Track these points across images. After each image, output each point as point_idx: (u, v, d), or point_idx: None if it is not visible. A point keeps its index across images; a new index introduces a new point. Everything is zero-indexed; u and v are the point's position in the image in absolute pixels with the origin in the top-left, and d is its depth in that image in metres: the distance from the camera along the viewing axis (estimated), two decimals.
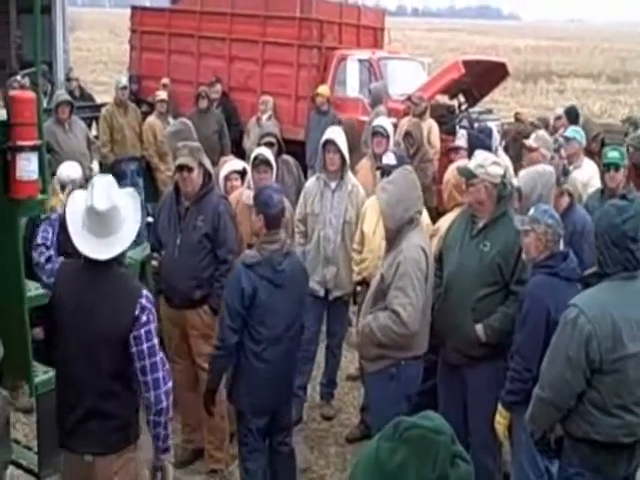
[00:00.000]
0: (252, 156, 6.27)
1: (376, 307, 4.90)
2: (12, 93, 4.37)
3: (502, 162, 5.38)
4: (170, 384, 3.89)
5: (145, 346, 3.79)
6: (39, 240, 4.10)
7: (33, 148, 4.17)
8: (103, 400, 3.82)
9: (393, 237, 4.94)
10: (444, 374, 5.23)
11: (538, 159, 6.37)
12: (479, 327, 4.91)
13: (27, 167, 4.14)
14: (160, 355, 3.87)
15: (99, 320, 3.77)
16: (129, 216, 3.88)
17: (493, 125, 9.46)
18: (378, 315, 4.83)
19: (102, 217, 3.77)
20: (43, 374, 4.42)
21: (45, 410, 4.42)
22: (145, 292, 3.90)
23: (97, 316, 3.78)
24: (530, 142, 6.93)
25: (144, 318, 3.79)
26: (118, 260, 3.89)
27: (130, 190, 4.11)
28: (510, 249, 4.87)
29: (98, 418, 3.83)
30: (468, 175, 5.01)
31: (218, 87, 12.62)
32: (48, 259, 4.02)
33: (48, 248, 4.08)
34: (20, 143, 4.10)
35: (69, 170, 5.40)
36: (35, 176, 4.22)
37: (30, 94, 4.28)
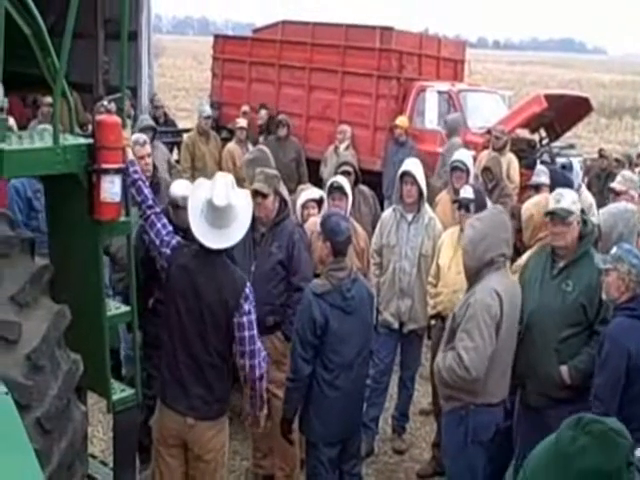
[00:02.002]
0: (328, 183, 6.30)
1: (448, 346, 4.81)
2: (99, 117, 4.45)
3: (586, 199, 5.24)
4: (264, 370, 4.49)
5: (247, 334, 4.38)
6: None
7: (117, 171, 4.23)
8: (207, 371, 4.41)
9: (472, 276, 4.82)
10: (523, 416, 5.08)
11: (627, 201, 6.17)
12: (564, 369, 4.78)
13: (111, 189, 4.20)
14: (258, 344, 4.45)
15: (208, 300, 4.35)
16: (241, 214, 4.45)
17: (575, 161, 9.28)
18: (447, 355, 4.73)
19: (219, 211, 4.33)
20: (121, 392, 4.49)
21: (122, 427, 4.56)
22: (249, 283, 4.47)
23: (206, 296, 4.35)
24: (616, 185, 6.75)
25: (247, 307, 4.38)
26: (227, 251, 4.49)
27: (246, 191, 4.74)
28: (594, 289, 4.71)
29: (203, 387, 4.41)
30: (565, 215, 4.85)
31: (263, 112, 12.77)
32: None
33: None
34: (105, 166, 4.15)
35: (180, 187, 5.55)
36: (118, 198, 4.28)
37: (115, 119, 4.35)
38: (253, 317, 4.42)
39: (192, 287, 4.39)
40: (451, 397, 4.81)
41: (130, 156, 4.40)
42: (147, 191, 4.52)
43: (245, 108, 13.14)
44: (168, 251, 4.50)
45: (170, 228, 4.59)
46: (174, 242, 4.52)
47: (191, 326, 4.39)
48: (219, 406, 4.51)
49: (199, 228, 4.37)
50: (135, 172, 4.43)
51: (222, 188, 4.39)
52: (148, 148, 6.55)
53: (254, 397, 4.56)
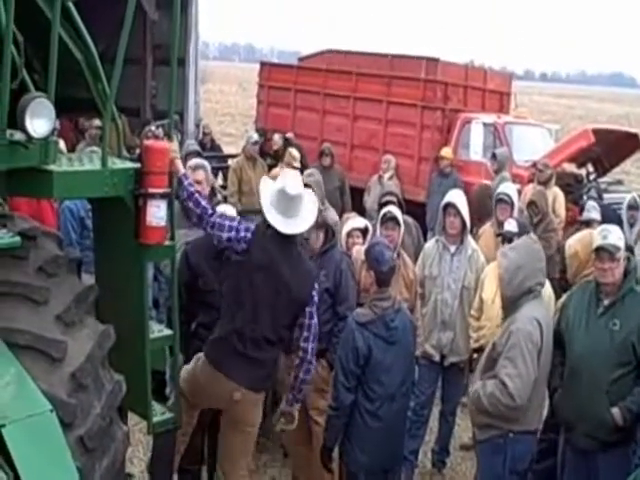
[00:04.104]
0: (381, 213, 6.28)
1: (486, 375, 4.79)
2: (146, 143, 4.51)
3: None
4: (313, 360, 4.80)
5: (314, 321, 4.72)
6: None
7: (163, 195, 4.27)
8: (267, 349, 4.63)
9: (509, 306, 4.81)
10: (571, 459, 4.95)
11: None
12: (616, 411, 4.66)
13: (157, 213, 4.24)
14: (317, 329, 4.75)
15: (284, 281, 4.57)
16: (309, 205, 4.73)
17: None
18: (487, 383, 4.72)
19: (290, 200, 4.59)
20: (161, 414, 4.51)
21: (161, 448, 4.56)
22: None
23: (283, 278, 4.56)
24: None
25: (316, 298, 4.74)
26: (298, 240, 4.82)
27: (311, 192, 4.95)
28: None
29: (259, 362, 4.62)
30: (614, 251, 4.77)
31: (276, 137, 12.84)
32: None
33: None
34: (151, 190, 4.20)
35: (225, 210, 5.60)
36: (163, 223, 4.32)
37: (163, 144, 4.40)
38: (316, 305, 4.77)
39: (272, 269, 4.57)
40: (490, 425, 4.77)
41: (181, 169, 4.47)
42: (205, 202, 4.60)
43: (289, 135, 13.19)
44: (249, 235, 4.60)
45: (236, 216, 4.84)
46: (252, 226, 4.69)
47: (265, 305, 4.57)
48: (267, 381, 4.81)
49: (272, 216, 4.59)
50: (190, 185, 4.52)
51: (293, 179, 4.72)
52: (201, 174, 6.40)
53: (299, 381, 4.77)
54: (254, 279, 4.56)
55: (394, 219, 6.14)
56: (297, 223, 4.63)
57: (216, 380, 4.63)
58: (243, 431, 4.71)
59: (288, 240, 4.63)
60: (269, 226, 4.59)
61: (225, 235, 4.60)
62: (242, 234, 4.59)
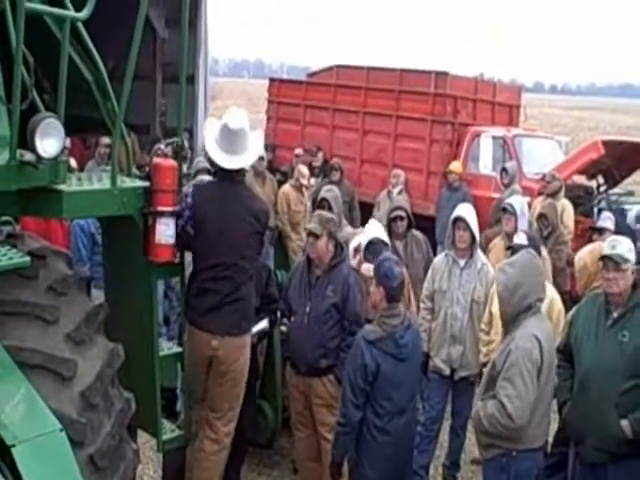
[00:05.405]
0: (364, 242, 6.16)
1: (487, 394, 4.71)
2: (155, 161, 4.54)
3: None
4: None
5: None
6: None
7: (172, 214, 4.30)
8: (242, 290, 4.74)
9: (509, 322, 4.72)
10: (581, 472, 4.92)
11: None
12: (625, 423, 4.61)
13: (166, 232, 4.27)
14: None
15: (243, 227, 4.69)
16: (255, 141, 4.77)
17: None
18: (487, 403, 4.63)
19: (233, 134, 4.61)
20: (171, 432, 4.51)
21: (171, 466, 4.53)
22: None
23: (241, 221, 4.68)
24: None
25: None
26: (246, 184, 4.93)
27: (259, 131, 5.00)
28: None
29: (235, 307, 4.73)
30: (620, 261, 4.75)
31: (320, 155, 12.91)
32: None
33: None
34: (160, 208, 4.23)
35: None
36: (172, 241, 4.35)
37: (172, 163, 4.44)
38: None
39: (224, 212, 4.64)
40: (492, 445, 4.70)
41: None
42: None
43: (298, 151, 13.21)
44: (189, 199, 4.56)
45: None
46: (190, 189, 4.68)
47: (228, 249, 4.66)
48: (243, 323, 4.84)
49: (215, 153, 4.66)
50: None
51: (236, 115, 4.69)
52: None
53: None
54: (208, 226, 4.61)
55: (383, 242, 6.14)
56: (241, 158, 4.69)
57: (195, 336, 4.75)
58: (228, 378, 4.78)
59: (235, 181, 4.73)
60: (220, 171, 4.71)
61: (180, 225, 4.52)
62: (184, 203, 4.56)
